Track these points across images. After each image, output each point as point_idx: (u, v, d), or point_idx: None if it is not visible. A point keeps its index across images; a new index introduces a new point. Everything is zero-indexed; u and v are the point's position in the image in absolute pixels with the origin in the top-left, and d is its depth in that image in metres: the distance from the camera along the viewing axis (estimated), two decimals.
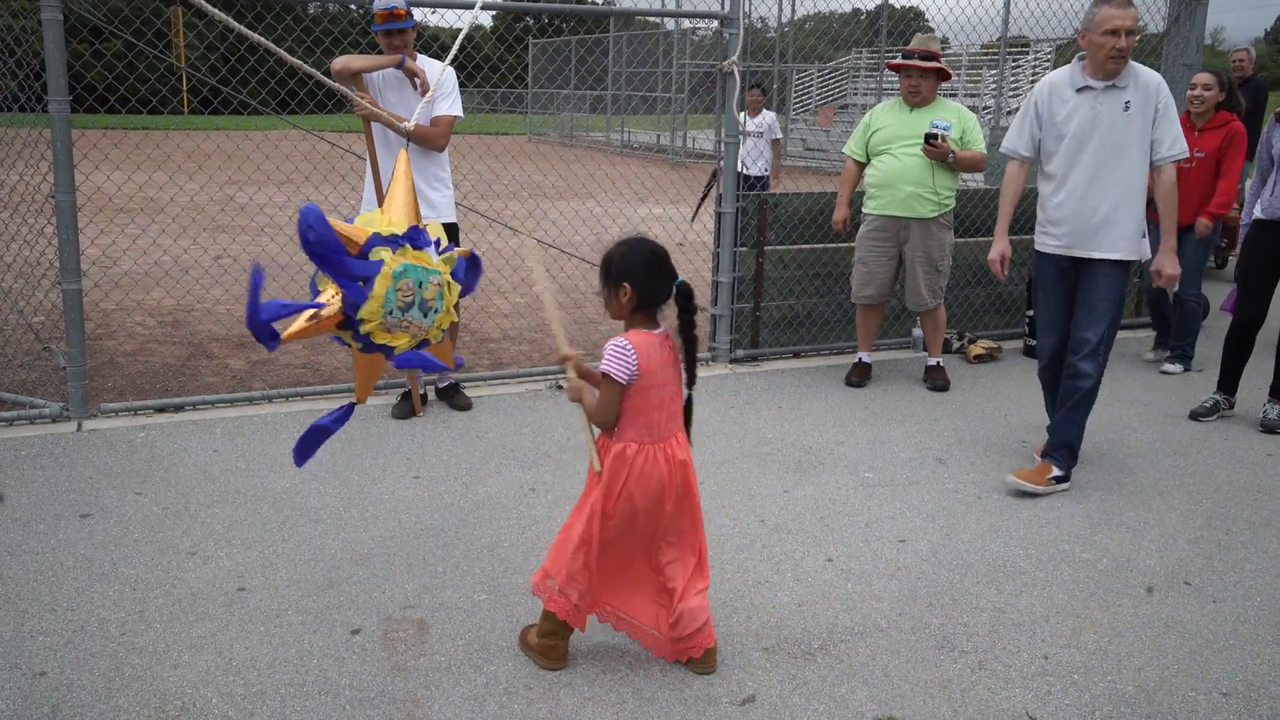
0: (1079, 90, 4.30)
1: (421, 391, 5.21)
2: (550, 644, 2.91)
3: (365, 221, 2.90)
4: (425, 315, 2.92)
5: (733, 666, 2.96)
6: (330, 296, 2.81)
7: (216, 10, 3.51)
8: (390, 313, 2.85)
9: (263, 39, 3.55)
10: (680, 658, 2.91)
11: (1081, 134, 4.29)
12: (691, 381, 2.84)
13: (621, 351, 2.67)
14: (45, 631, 3.04)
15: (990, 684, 2.92)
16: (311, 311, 2.77)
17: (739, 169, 6.73)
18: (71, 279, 4.75)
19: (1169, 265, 4.41)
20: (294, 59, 3.64)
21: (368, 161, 4.79)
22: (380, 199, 4.78)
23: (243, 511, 3.92)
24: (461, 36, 4.38)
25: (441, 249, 3.01)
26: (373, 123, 4.69)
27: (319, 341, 6.50)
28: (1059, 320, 4.49)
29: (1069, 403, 4.40)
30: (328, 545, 3.67)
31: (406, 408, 5.08)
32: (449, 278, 3.01)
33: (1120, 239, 4.30)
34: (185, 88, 19.46)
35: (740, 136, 6.73)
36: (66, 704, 2.71)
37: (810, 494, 4.26)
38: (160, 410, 5.06)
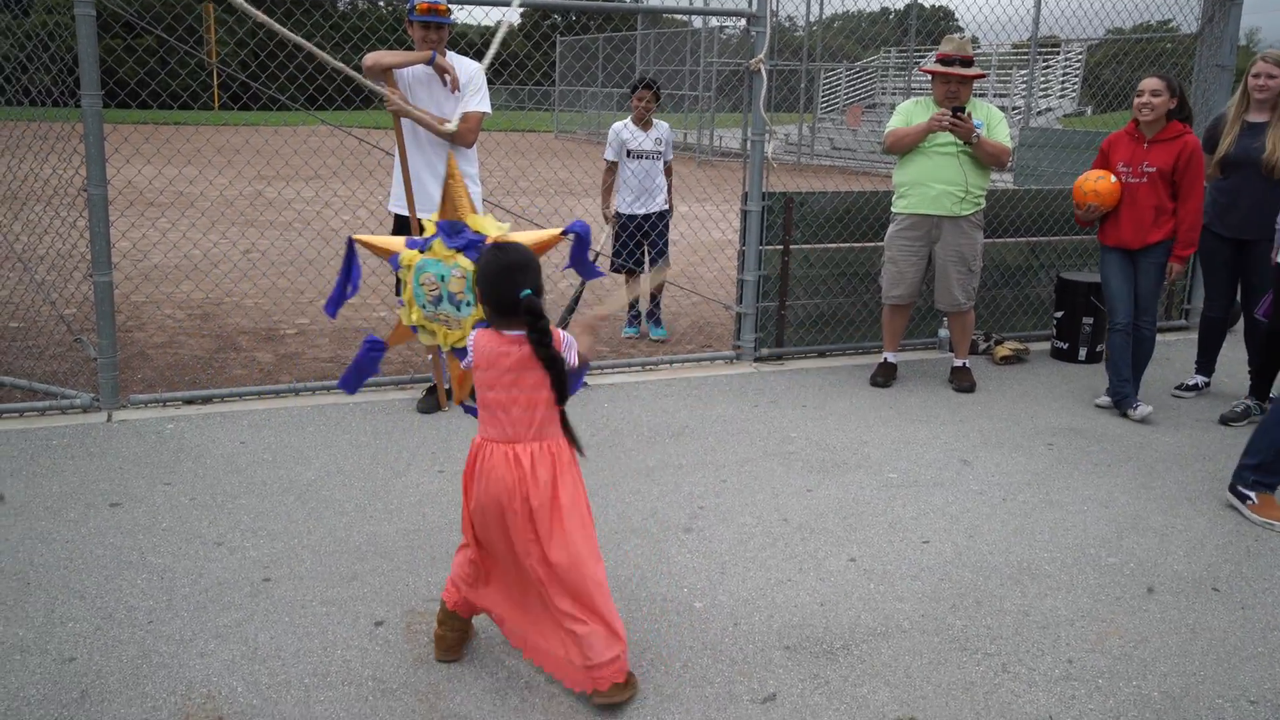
0: None
1: (446, 386, 5.23)
2: (440, 633, 2.94)
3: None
4: (458, 309, 2.93)
5: (754, 665, 2.96)
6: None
7: (250, 7, 3.54)
8: (424, 306, 2.89)
9: (293, 35, 3.58)
10: (585, 687, 2.70)
11: None
12: (560, 399, 2.68)
13: (471, 338, 2.72)
14: (74, 618, 3.09)
15: (1013, 687, 2.90)
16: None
17: (625, 209, 6.64)
18: (103, 271, 4.80)
19: None
20: (325, 55, 3.67)
21: (396, 157, 4.82)
22: (409, 195, 4.81)
23: (269, 503, 3.96)
24: (498, 41, 4.38)
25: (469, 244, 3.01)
26: (402, 119, 4.73)
27: (345, 336, 6.56)
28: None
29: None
30: (352, 537, 3.69)
31: (431, 402, 5.11)
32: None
33: None
34: (216, 83, 19.62)
35: (623, 158, 6.40)
36: (95, 689, 2.75)
37: (834, 494, 4.25)
38: (189, 402, 5.11)
